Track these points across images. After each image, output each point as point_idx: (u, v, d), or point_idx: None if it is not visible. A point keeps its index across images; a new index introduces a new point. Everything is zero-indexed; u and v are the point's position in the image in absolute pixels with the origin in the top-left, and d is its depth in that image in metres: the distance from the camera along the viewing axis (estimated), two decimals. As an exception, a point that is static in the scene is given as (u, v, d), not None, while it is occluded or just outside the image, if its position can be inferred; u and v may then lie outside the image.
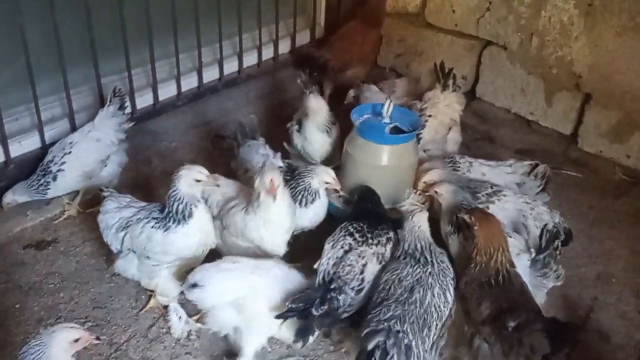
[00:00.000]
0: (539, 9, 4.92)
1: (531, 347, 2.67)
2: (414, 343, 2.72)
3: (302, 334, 2.85)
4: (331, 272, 3.05)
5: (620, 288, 3.75)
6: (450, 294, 2.99)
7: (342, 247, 3.14)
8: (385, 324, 2.75)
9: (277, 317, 2.86)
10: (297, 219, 3.39)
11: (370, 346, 2.67)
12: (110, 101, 4.02)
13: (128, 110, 4.20)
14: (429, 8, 5.61)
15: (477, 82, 5.52)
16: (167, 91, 4.79)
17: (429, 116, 4.25)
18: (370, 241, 3.17)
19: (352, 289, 3.00)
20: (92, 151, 3.90)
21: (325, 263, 3.10)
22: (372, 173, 3.70)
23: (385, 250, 3.18)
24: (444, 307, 2.93)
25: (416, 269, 3.02)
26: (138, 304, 3.44)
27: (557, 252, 3.07)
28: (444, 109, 4.36)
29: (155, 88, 4.65)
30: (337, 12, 5.91)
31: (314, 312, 2.84)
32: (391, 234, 3.27)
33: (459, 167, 3.88)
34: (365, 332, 2.74)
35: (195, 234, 3.18)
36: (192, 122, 4.89)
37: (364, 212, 3.42)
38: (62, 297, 3.44)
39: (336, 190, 3.62)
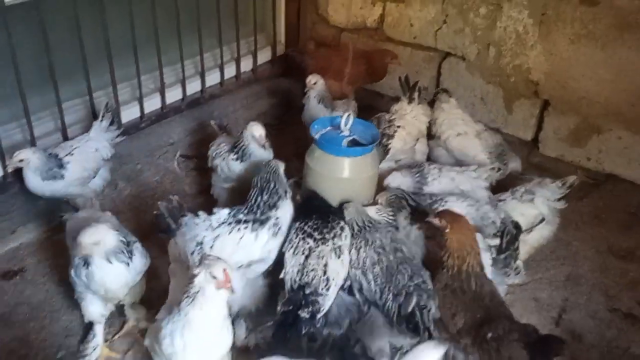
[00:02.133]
0: (494, 20, 5.04)
1: (509, 358, 2.69)
2: (431, 286, 3.05)
3: (294, 340, 2.94)
4: (297, 279, 3.09)
5: (589, 288, 3.84)
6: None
7: (302, 253, 3.16)
8: (411, 283, 3.00)
9: (272, 325, 2.99)
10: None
11: (409, 308, 2.91)
12: (102, 116, 4.15)
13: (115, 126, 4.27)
14: (387, 22, 5.68)
15: (437, 93, 5.59)
16: (130, 113, 4.74)
17: (398, 127, 4.31)
18: (327, 237, 3.21)
19: (323, 289, 3.06)
20: (90, 158, 4.02)
21: (290, 271, 3.13)
22: (332, 185, 3.70)
23: (342, 241, 3.24)
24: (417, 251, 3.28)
25: (382, 234, 3.25)
26: (112, 329, 3.36)
27: (517, 252, 3.12)
28: (412, 121, 4.43)
29: (117, 111, 4.59)
30: (297, 29, 5.97)
31: (302, 315, 2.95)
32: (342, 222, 3.34)
33: (426, 174, 3.93)
34: (401, 301, 2.96)
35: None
36: (157, 144, 4.84)
37: (310, 208, 3.45)
38: (33, 326, 3.35)
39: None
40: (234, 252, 3.20)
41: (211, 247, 3.19)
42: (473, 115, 5.36)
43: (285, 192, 3.43)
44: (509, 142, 5.21)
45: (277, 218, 3.33)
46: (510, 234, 3.13)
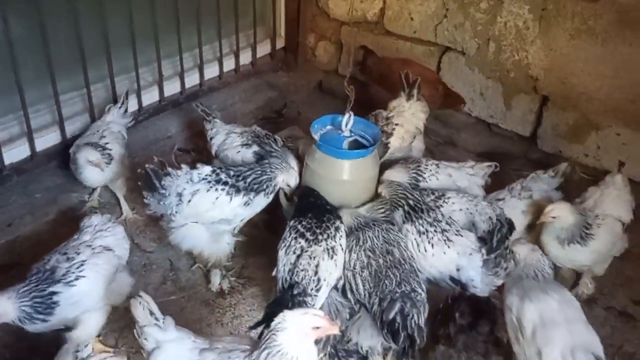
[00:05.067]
0: (494, 14, 5.02)
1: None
2: (423, 294, 2.99)
3: None
4: (288, 278, 3.08)
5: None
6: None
7: (294, 252, 3.15)
8: (398, 290, 2.94)
9: (257, 324, 2.91)
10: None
11: (391, 315, 2.86)
12: (122, 102, 4.31)
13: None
14: (388, 16, 5.67)
15: (437, 88, 5.57)
16: (128, 105, 4.71)
17: (396, 124, 4.27)
18: (320, 237, 3.19)
19: (312, 290, 3.04)
20: (117, 141, 4.12)
21: (281, 270, 3.13)
22: (331, 186, 3.67)
23: (335, 242, 3.21)
24: (409, 254, 3.20)
25: (375, 233, 3.21)
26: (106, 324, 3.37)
27: (508, 251, 3.12)
28: (410, 118, 4.37)
29: (115, 102, 4.57)
30: (297, 22, 5.95)
31: None
32: (337, 222, 3.31)
33: (424, 170, 3.92)
34: (384, 306, 2.91)
35: None
36: (154, 137, 4.84)
37: (306, 206, 3.43)
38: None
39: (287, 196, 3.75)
40: (210, 210, 3.41)
41: (189, 200, 3.38)
42: (472, 111, 5.41)
43: (269, 193, 3.56)
44: (508, 138, 5.24)
45: (252, 199, 3.50)
46: (501, 232, 3.12)
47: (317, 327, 2.36)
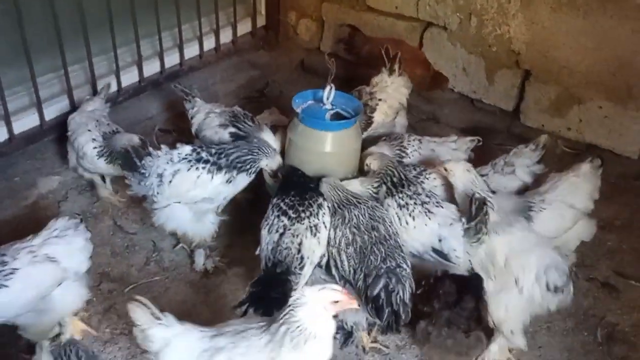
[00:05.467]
0: (476, -12, 4.99)
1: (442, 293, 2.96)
2: (408, 269, 3.01)
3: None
4: (271, 257, 3.07)
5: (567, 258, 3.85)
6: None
7: (277, 231, 3.15)
8: (383, 265, 2.94)
9: (240, 304, 2.88)
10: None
11: (375, 291, 2.88)
12: (100, 92, 4.30)
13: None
14: (369, -9, 5.62)
15: (420, 64, 5.54)
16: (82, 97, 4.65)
17: (379, 100, 4.27)
18: (302, 215, 3.19)
19: (295, 268, 3.04)
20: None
21: (265, 249, 3.13)
22: (315, 159, 3.68)
23: (318, 219, 3.21)
24: (394, 230, 3.22)
25: (361, 210, 3.22)
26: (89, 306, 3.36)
27: (487, 217, 3.14)
28: (393, 93, 4.38)
29: (94, 84, 4.53)
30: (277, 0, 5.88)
31: (273, 295, 2.89)
32: (320, 199, 3.31)
33: (407, 145, 3.92)
34: (369, 282, 2.92)
35: None
36: (135, 118, 4.78)
37: (289, 183, 3.43)
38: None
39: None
40: (192, 189, 3.39)
41: (170, 181, 3.35)
42: (455, 86, 5.39)
43: (251, 172, 3.53)
44: (491, 113, 5.24)
45: (234, 177, 3.47)
46: (479, 200, 3.13)
47: (336, 302, 2.37)
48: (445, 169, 3.47)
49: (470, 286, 2.97)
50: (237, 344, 2.41)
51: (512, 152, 3.83)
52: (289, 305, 2.36)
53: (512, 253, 3.05)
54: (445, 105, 5.35)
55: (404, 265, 3.02)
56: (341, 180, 3.56)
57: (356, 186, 3.55)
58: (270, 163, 3.60)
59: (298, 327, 2.32)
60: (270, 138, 3.87)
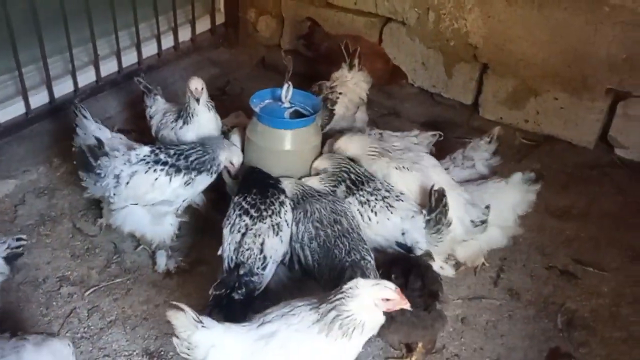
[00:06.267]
0: (432, -17, 5.03)
1: None
2: (372, 262, 3.03)
3: (230, 321, 2.83)
4: (234, 257, 3.06)
5: (527, 247, 3.92)
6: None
7: (239, 231, 3.13)
8: (348, 258, 2.96)
9: (205, 307, 2.86)
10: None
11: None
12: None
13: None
14: (328, -12, 5.62)
15: (379, 59, 5.57)
16: (63, 87, 4.59)
17: (340, 94, 4.29)
18: (264, 214, 3.18)
19: (258, 268, 3.02)
20: None
21: (227, 249, 3.10)
22: (274, 158, 3.67)
23: (280, 217, 3.21)
24: (356, 223, 3.25)
25: (322, 205, 3.24)
26: (49, 310, 3.31)
27: (446, 208, 3.18)
28: (353, 87, 4.40)
29: (49, 85, 4.44)
30: (237, -4, 5.86)
31: (236, 297, 2.90)
32: (282, 197, 3.31)
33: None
34: (334, 276, 2.94)
35: None
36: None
37: (250, 181, 3.41)
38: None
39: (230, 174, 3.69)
40: (149, 192, 3.35)
41: (127, 182, 3.32)
42: (414, 81, 5.44)
43: (212, 172, 3.51)
44: (451, 107, 5.29)
45: (193, 179, 3.44)
46: (438, 191, 3.17)
47: (388, 300, 2.37)
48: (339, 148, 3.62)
49: (412, 266, 2.99)
50: (289, 322, 2.41)
51: (469, 146, 3.88)
52: (342, 292, 2.37)
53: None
54: (406, 100, 5.39)
55: (368, 257, 3.05)
56: (300, 178, 3.57)
57: (315, 183, 3.56)
58: (229, 155, 3.57)
59: (348, 317, 2.34)
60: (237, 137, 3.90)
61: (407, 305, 2.42)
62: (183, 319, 2.32)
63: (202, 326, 2.36)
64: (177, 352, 2.40)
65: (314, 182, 3.56)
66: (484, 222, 3.31)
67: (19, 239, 3.10)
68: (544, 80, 4.83)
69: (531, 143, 4.92)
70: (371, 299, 2.36)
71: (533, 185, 3.50)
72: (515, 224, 3.59)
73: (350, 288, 2.37)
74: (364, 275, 2.91)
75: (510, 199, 3.50)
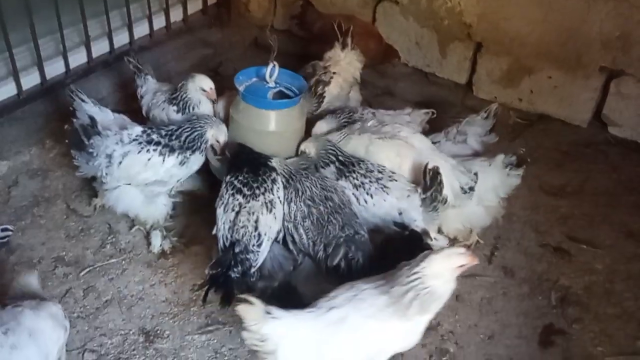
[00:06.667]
0: (426, -40, 5.00)
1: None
2: (366, 235, 3.08)
3: (225, 299, 2.92)
4: (229, 236, 3.06)
5: (521, 225, 3.94)
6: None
7: (232, 210, 3.12)
8: (342, 234, 3.02)
9: (200, 286, 2.93)
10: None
11: (336, 260, 2.96)
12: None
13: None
14: (321, -34, 5.57)
15: (373, 39, 5.54)
16: (54, 69, 4.53)
17: (334, 73, 4.27)
18: (257, 191, 3.17)
19: (254, 246, 3.03)
20: None
21: (221, 228, 3.10)
22: (258, 139, 3.62)
23: (273, 194, 3.21)
24: (347, 198, 3.28)
25: (312, 182, 3.25)
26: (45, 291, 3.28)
27: (441, 185, 3.19)
28: (346, 67, 4.39)
29: (41, 66, 4.39)
30: (229, -24, 5.80)
31: (232, 275, 2.91)
32: (273, 174, 3.30)
33: (359, 119, 3.89)
34: (329, 252, 3.00)
35: None
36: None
37: (241, 160, 3.38)
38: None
39: (215, 152, 3.65)
40: (142, 172, 3.37)
41: (120, 162, 3.32)
42: (408, 61, 5.42)
43: (203, 150, 3.52)
44: (445, 86, 5.28)
45: (187, 158, 3.45)
46: (433, 170, 3.17)
47: (461, 266, 2.41)
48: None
49: (413, 242, 3.00)
50: (358, 306, 2.43)
51: (465, 121, 3.87)
52: (416, 273, 2.40)
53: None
54: (400, 80, 5.38)
55: (362, 232, 3.09)
56: (285, 159, 3.55)
57: (297, 160, 3.56)
58: (215, 133, 3.54)
59: (427, 292, 2.38)
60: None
61: (476, 261, 2.46)
62: (253, 312, 2.34)
63: (272, 317, 2.37)
64: (247, 345, 2.46)
65: (296, 160, 3.57)
66: (472, 188, 3.36)
67: (4, 230, 3.14)
68: (538, 58, 4.82)
69: (525, 122, 4.93)
70: (449, 271, 2.40)
71: (514, 169, 3.46)
72: (500, 205, 3.60)
73: (425, 266, 2.39)
74: (359, 250, 2.96)
75: (490, 181, 3.48)
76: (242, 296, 2.39)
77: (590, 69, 4.66)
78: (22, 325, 2.41)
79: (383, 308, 2.41)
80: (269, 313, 2.37)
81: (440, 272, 2.39)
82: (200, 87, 3.70)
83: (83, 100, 3.61)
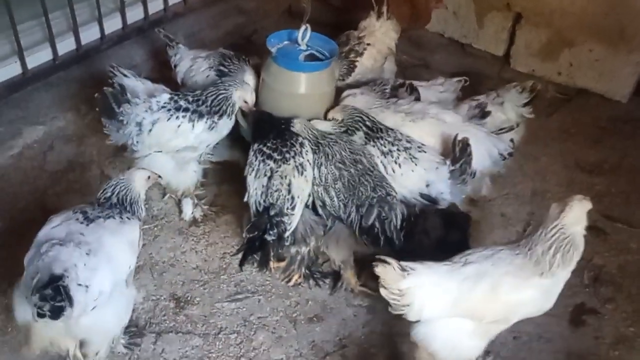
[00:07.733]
0: None
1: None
2: (397, 196, 3.13)
3: (263, 262, 3.07)
4: (262, 201, 3.08)
5: (555, 202, 3.86)
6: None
7: (265, 175, 3.14)
8: (374, 195, 3.06)
9: (238, 251, 3.04)
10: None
11: (370, 220, 2.99)
12: None
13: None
14: None
15: (409, 8, 5.44)
16: (89, 34, 4.54)
17: (368, 44, 4.19)
18: (287, 155, 3.18)
19: (288, 209, 3.06)
20: None
21: (253, 194, 3.13)
22: (287, 101, 3.61)
23: (303, 157, 3.21)
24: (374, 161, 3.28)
25: (341, 146, 3.26)
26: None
27: (470, 157, 3.15)
28: (382, 37, 4.29)
29: (76, 32, 4.40)
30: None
31: (268, 238, 2.98)
32: (301, 138, 3.30)
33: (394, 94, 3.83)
34: (363, 213, 3.03)
35: None
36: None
37: (266, 128, 3.37)
38: None
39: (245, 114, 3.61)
40: (173, 139, 3.36)
41: (150, 130, 3.32)
42: (444, 31, 5.31)
43: (230, 113, 3.47)
44: (481, 58, 5.17)
45: (216, 122, 3.42)
46: (462, 142, 3.13)
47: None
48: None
49: (456, 221, 3.02)
50: (497, 264, 2.49)
51: (504, 88, 3.80)
52: (556, 226, 2.46)
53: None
54: (436, 51, 5.29)
55: (393, 193, 3.13)
56: (309, 120, 3.52)
57: (327, 127, 3.51)
58: (242, 93, 3.50)
59: (568, 241, 2.45)
60: (251, 77, 3.81)
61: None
62: (391, 272, 2.44)
63: (408, 273, 2.46)
64: (388, 303, 2.52)
65: (326, 126, 3.52)
66: (511, 154, 3.42)
67: None
68: (579, 30, 4.68)
69: (563, 96, 4.81)
70: (584, 213, 2.49)
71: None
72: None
73: (565, 216, 2.47)
74: (392, 210, 3.02)
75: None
76: (381, 257, 2.48)
77: (634, 43, 4.52)
78: (103, 250, 2.51)
79: (523, 266, 2.46)
80: (404, 270, 2.46)
81: (580, 217, 2.47)
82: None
83: (125, 75, 3.61)
